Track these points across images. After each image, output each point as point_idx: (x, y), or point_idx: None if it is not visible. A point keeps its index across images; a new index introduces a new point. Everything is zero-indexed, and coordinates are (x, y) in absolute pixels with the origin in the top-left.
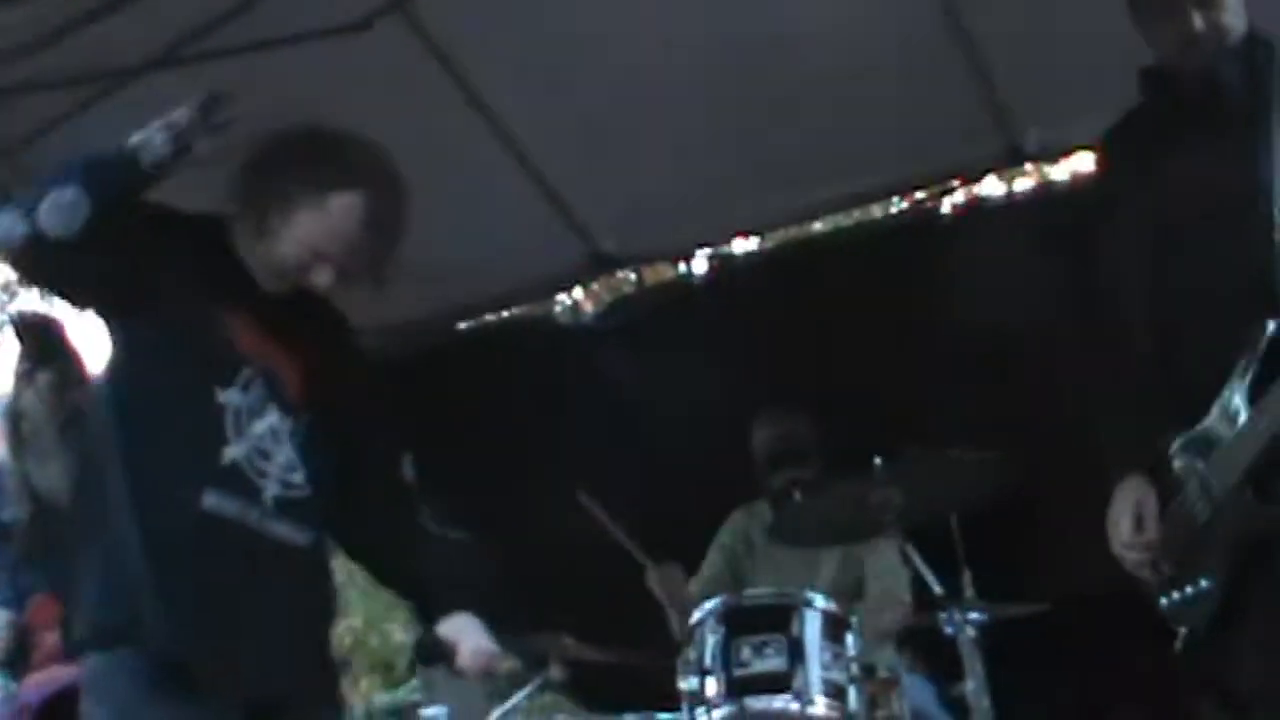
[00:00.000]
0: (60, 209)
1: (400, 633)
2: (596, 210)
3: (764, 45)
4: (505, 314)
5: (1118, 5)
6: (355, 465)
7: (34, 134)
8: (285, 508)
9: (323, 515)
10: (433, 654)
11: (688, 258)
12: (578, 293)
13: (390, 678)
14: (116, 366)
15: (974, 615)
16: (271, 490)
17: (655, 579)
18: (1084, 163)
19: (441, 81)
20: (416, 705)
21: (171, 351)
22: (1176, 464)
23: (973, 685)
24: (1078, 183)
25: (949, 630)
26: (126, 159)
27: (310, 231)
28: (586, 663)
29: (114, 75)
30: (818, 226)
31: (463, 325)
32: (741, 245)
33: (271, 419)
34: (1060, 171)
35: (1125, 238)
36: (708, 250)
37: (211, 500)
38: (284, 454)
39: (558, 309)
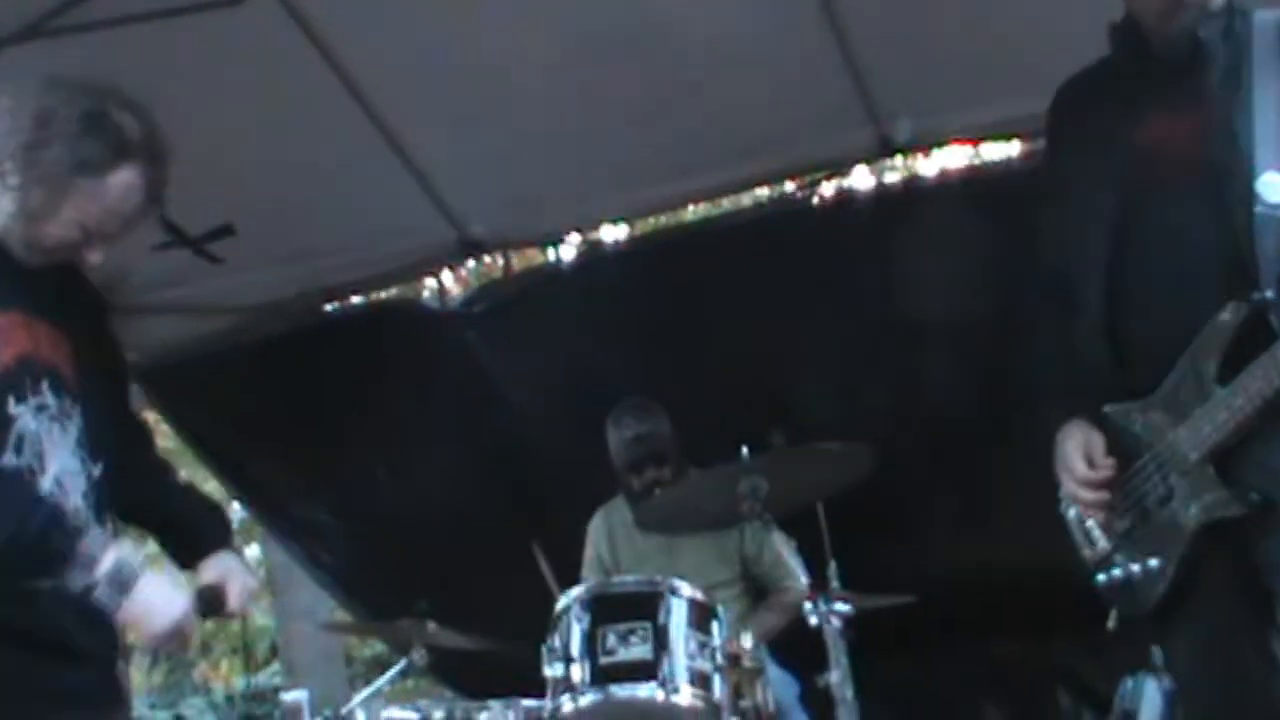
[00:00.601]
0: None
1: (262, 617)
2: (465, 194)
3: (637, 32)
4: (373, 296)
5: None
6: (119, 425)
7: None
8: (83, 516)
9: (111, 489)
10: (206, 607)
11: (556, 243)
12: (445, 276)
13: (251, 662)
14: None
15: (839, 606)
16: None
17: None
18: (954, 156)
19: (313, 62)
20: (277, 689)
21: None
22: (1132, 425)
23: (837, 676)
24: (947, 176)
25: (814, 621)
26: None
27: (86, 212)
28: (450, 648)
29: None
30: (687, 215)
31: (329, 307)
32: (610, 232)
33: (54, 467)
34: (929, 165)
35: (1081, 201)
36: (576, 236)
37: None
38: (70, 504)
39: (425, 293)
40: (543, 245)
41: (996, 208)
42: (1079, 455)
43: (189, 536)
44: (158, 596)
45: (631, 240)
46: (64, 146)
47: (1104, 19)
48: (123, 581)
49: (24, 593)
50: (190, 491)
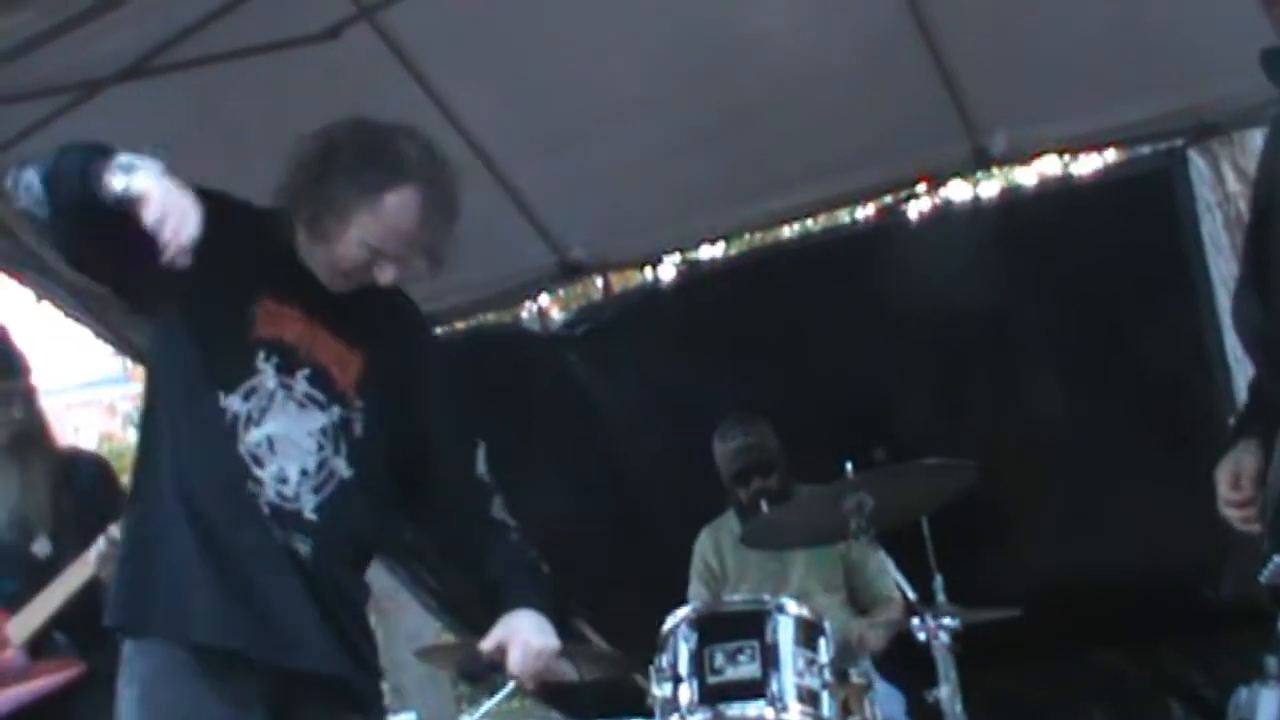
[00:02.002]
0: (30, 194)
1: None
2: (564, 217)
3: (730, 51)
4: (474, 320)
5: (1084, 8)
6: (427, 458)
7: (7, 143)
8: (279, 517)
9: (353, 506)
10: (475, 670)
11: (655, 264)
12: (545, 299)
13: None
14: (151, 356)
15: (946, 620)
16: (265, 497)
17: None
18: (1051, 166)
19: (410, 90)
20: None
21: (191, 349)
22: None
23: (946, 691)
24: (1045, 186)
25: (921, 636)
26: (87, 180)
27: (369, 232)
28: (556, 673)
29: (86, 85)
30: (784, 232)
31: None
32: (709, 251)
33: (271, 426)
34: (1027, 175)
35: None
36: (675, 256)
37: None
38: (276, 463)
39: (525, 315)
40: (642, 266)
41: (1092, 218)
42: (1224, 477)
43: (497, 593)
44: (155, 173)
45: (730, 258)
46: (345, 173)
47: (1197, 30)
48: (130, 165)
49: None
50: (512, 548)
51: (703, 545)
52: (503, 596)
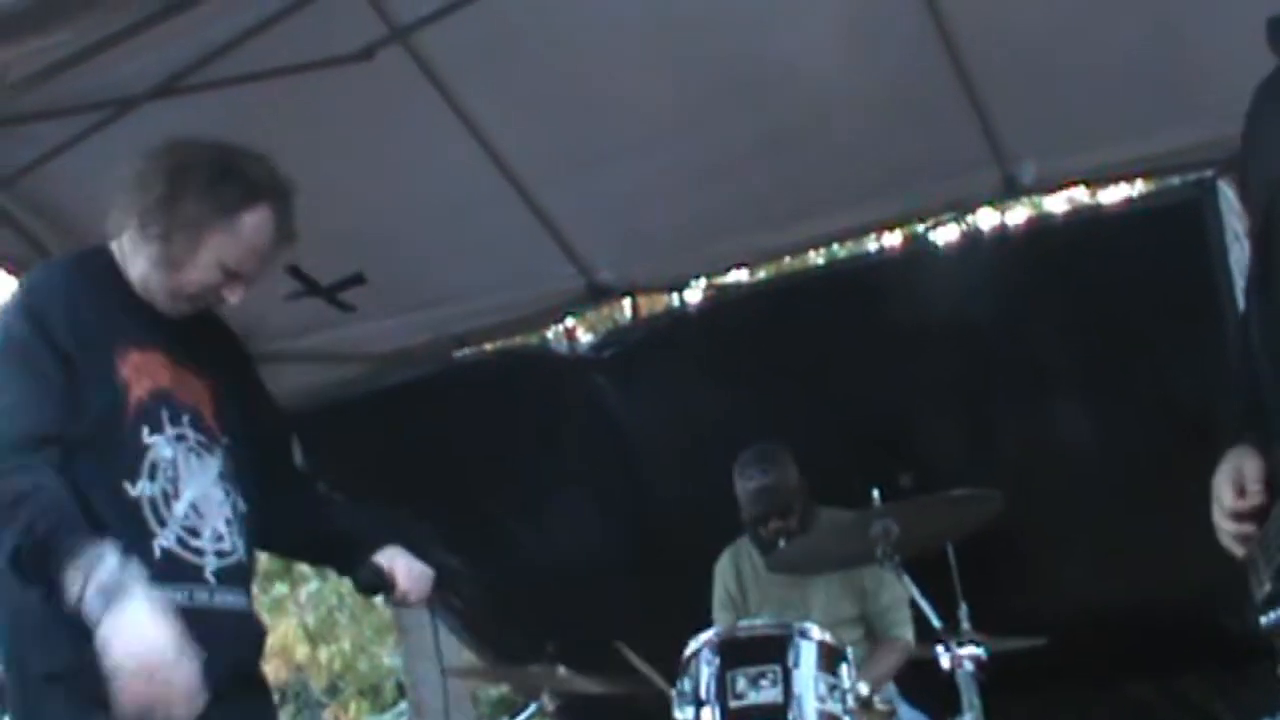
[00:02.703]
0: None
1: (388, 656)
2: (593, 240)
3: (762, 77)
4: (501, 343)
5: (1114, 38)
6: (268, 470)
7: (36, 162)
8: (224, 576)
9: (259, 527)
10: (372, 584)
11: (682, 288)
12: (571, 322)
13: (379, 701)
14: None
15: (971, 648)
16: (210, 565)
17: None
18: (1079, 195)
19: (441, 111)
20: None
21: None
22: None
23: (970, 718)
24: (1073, 215)
25: (945, 663)
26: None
27: (226, 252)
28: (579, 693)
29: (116, 104)
30: (812, 258)
31: (459, 354)
32: (736, 276)
33: (189, 493)
34: (1055, 203)
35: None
36: (702, 281)
37: (160, 593)
38: (208, 525)
39: (552, 338)
40: (669, 290)
41: (1121, 247)
42: (1227, 483)
43: (357, 542)
44: (134, 621)
45: (757, 283)
46: (199, 193)
47: (1226, 61)
48: (111, 591)
49: None
50: (358, 509)
51: (724, 569)
52: (366, 540)
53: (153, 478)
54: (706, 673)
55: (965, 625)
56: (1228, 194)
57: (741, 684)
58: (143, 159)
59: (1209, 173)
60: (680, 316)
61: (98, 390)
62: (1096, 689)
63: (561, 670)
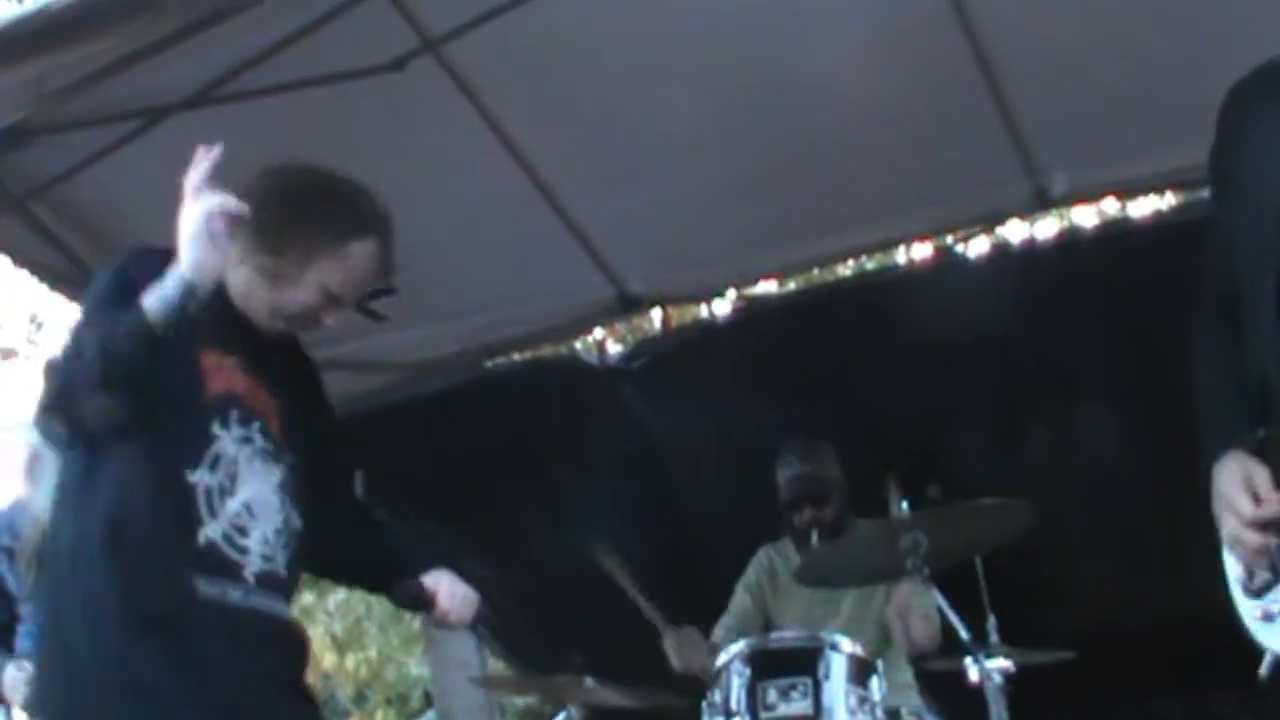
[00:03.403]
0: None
1: (416, 666)
2: (624, 251)
3: (794, 90)
4: (531, 353)
5: (1145, 50)
6: (329, 498)
7: (70, 171)
8: (265, 581)
9: (308, 550)
10: (412, 600)
11: (712, 299)
12: (601, 333)
13: (406, 709)
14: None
15: (999, 662)
16: (253, 567)
17: (671, 645)
18: (1109, 207)
19: (472, 122)
20: None
21: (140, 426)
22: None
23: None
24: (1103, 228)
25: (974, 676)
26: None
27: (329, 277)
28: (607, 706)
29: (149, 113)
30: (842, 270)
31: (490, 363)
32: (765, 288)
33: (245, 492)
34: (1085, 215)
35: (1249, 204)
36: (732, 292)
37: (200, 585)
38: (258, 527)
39: (581, 348)
40: (699, 301)
41: (1150, 260)
42: (1242, 490)
43: (406, 565)
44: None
45: (786, 295)
46: (317, 217)
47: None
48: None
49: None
50: (414, 538)
51: (759, 561)
52: (414, 563)
53: (213, 469)
54: (737, 684)
55: (993, 638)
56: None
57: (772, 696)
58: (256, 175)
59: None
60: (710, 328)
61: (175, 373)
62: (1124, 704)
63: (588, 681)
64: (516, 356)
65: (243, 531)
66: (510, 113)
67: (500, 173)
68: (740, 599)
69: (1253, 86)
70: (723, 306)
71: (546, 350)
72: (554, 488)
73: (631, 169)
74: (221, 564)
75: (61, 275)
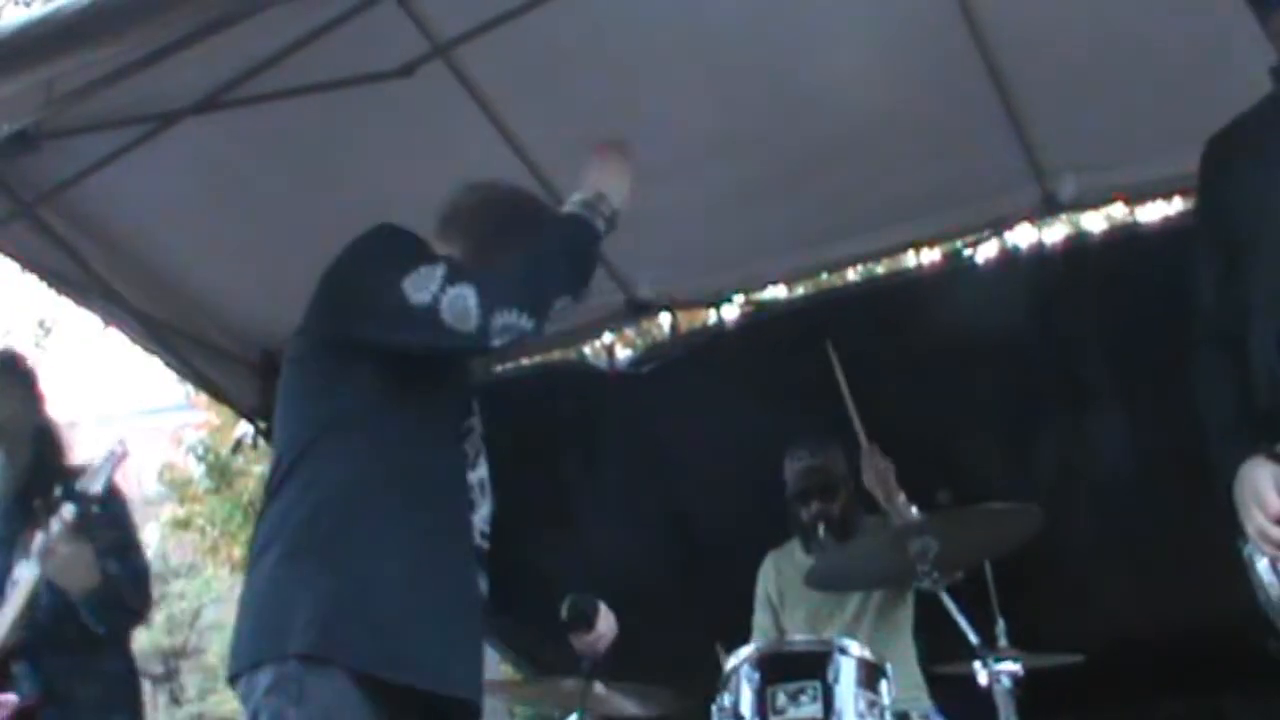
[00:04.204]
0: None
1: None
2: (633, 256)
3: (802, 96)
4: (540, 358)
5: (1153, 54)
6: None
7: (78, 175)
8: (480, 558)
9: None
10: (582, 613)
11: (720, 304)
12: (610, 337)
13: None
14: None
15: (1008, 665)
16: (474, 541)
17: (866, 462)
18: (1118, 212)
19: (482, 126)
20: None
21: (421, 385)
22: None
23: None
24: (1112, 233)
25: (983, 680)
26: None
27: None
28: (616, 715)
29: (159, 118)
30: (850, 275)
31: (499, 368)
32: (774, 293)
33: (481, 470)
34: (1093, 221)
35: (1226, 244)
36: (741, 297)
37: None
38: (484, 506)
39: (590, 353)
40: (708, 306)
41: (1159, 265)
42: (1272, 489)
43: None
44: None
45: (795, 300)
46: (519, 239)
47: (1265, 78)
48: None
49: None
50: None
51: (765, 570)
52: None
53: (464, 439)
54: (747, 688)
55: (1002, 641)
56: None
57: (781, 700)
58: (463, 192)
59: None
60: (719, 333)
61: (450, 379)
62: (1135, 708)
63: (598, 687)
64: (526, 361)
65: (473, 506)
66: (520, 118)
67: (509, 177)
68: (760, 619)
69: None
70: (731, 311)
71: (556, 355)
72: (564, 491)
73: (641, 174)
74: (477, 553)
75: (70, 280)
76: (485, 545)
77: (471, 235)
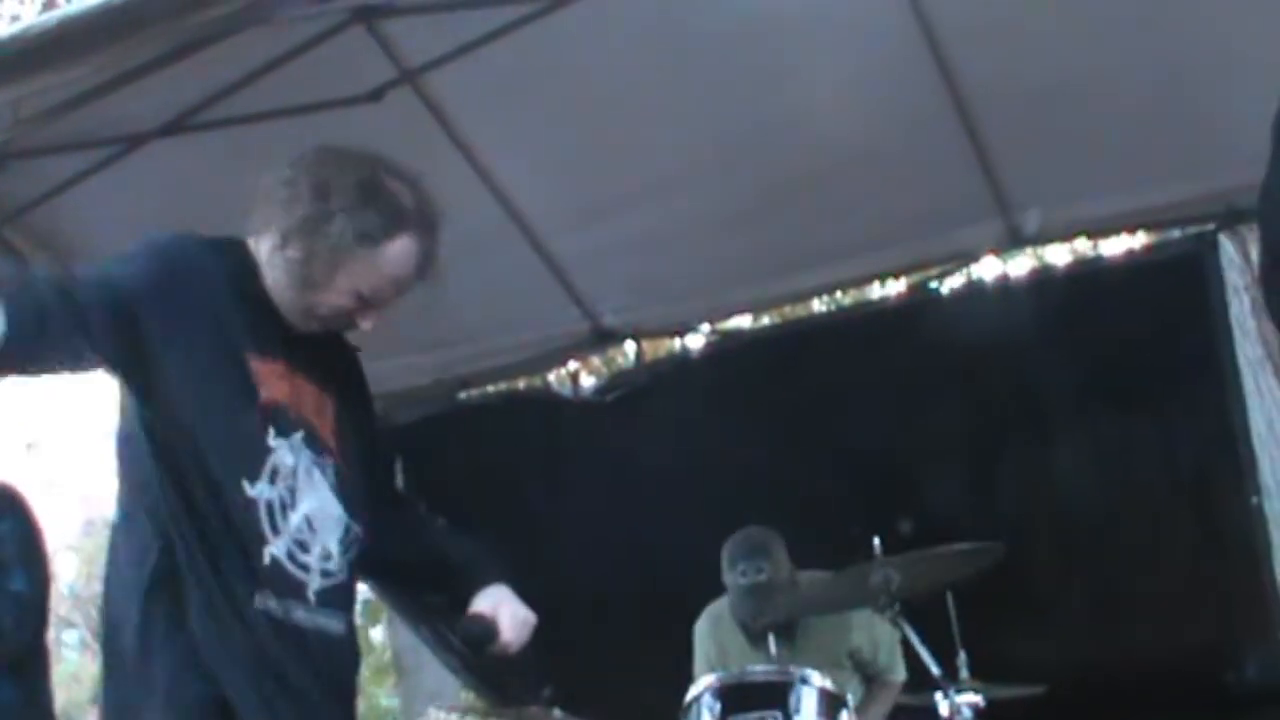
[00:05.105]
0: None
1: (386, 698)
2: (598, 285)
3: (769, 127)
4: (505, 385)
5: (1118, 91)
6: (374, 491)
7: (44, 196)
8: (326, 598)
9: (362, 552)
10: (479, 636)
11: (686, 333)
12: (575, 365)
13: None
14: (134, 442)
15: (969, 695)
16: (314, 584)
17: None
18: (1082, 245)
19: (448, 153)
20: None
21: (197, 430)
22: None
23: None
24: (1075, 266)
25: (944, 711)
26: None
27: (361, 281)
28: None
29: (125, 140)
30: (815, 305)
31: (464, 395)
32: (739, 322)
33: (306, 505)
34: (1058, 253)
35: None
36: (706, 326)
37: (261, 601)
38: (319, 542)
39: (555, 381)
40: (673, 335)
41: (1122, 299)
42: None
43: (461, 575)
44: None
45: (761, 329)
46: (345, 218)
47: (1229, 115)
48: None
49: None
50: (456, 535)
51: (703, 635)
52: (474, 574)
53: (272, 481)
54: (708, 718)
55: (964, 673)
56: (1229, 248)
57: None
58: (290, 167)
59: (1210, 226)
60: (684, 361)
61: (229, 377)
62: None
63: (557, 713)
64: (490, 388)
65: (304, 548)
66: (487, 144)
67: (476, 205)
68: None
69: None
70: (696, 340)
71: (521, 382)
72: (527, 518)
73: (607, 203)
74: (285, 583)
75: None
76: (334, 580)
77: (289, 210)
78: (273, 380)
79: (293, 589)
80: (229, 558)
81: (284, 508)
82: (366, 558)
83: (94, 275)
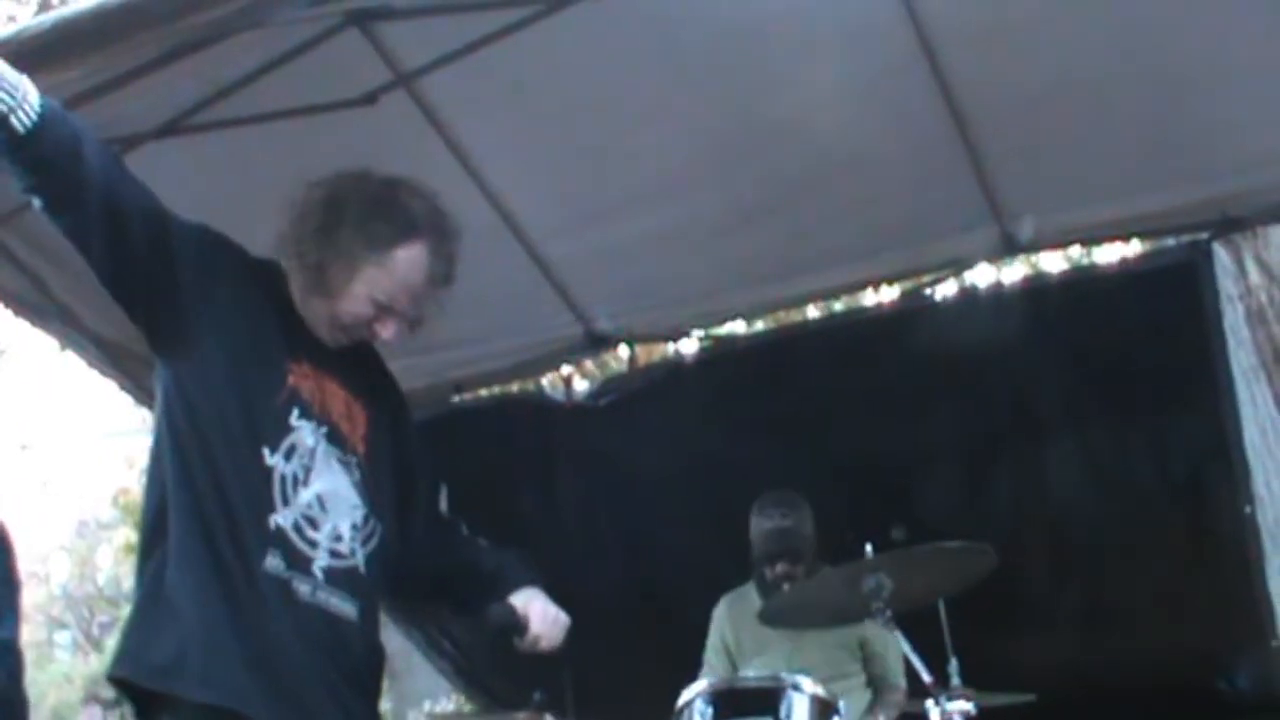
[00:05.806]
0: None
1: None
2: (592, 290)
3: (765, 133)
4: (498, 389)
5: (1113, 99)
6: (410, 505)
7: None
8: (334, 578)
9: (386, 555)
10: (503, 622)
11: (679, 338)
12: (569, 370)
13: None
14: (171, 406)
15: (960, 703)
16: (320, 561)
17: None
18: (1076, 253)
19: (443, 157)
20: None
21: (224, 399)
22: None
23: None
24: (1069, 274)
25: (935, 718)
26: None
27: (377, 287)
28: None
29: (120, 141)
30: (810, 311)
31: (457, 399)
32: (733, 327)
33: (319, 485)
34: (1052, 261)
35: None
36: (700, 331)
37: (273, 564)
38: (329, 521)
39: (548, 385)
40: (667, 340)
41: (1116, 307)
42: None
43: (495, 579)
44: None
45: (754, 335)
46: (354, 226)
47: (1223, 124)
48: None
49: None
50: (502, 551)
51: (720, 617)
52: (506, 579)
53: (289, 457)
54: None
55: (955, 680)
56: (1223, 257)
57: None
58: (306, 186)
59: (1204, 235)
60: (677, 366)
61: (258, 362)
62: None
63: (549, 718)
64: (484, 392)
65: (313, 524)
66: (482, 148)
67: (470, 208)
68: (713, 661)
69: None
70: (690, 346)
71: (514, 386)
72: (520, 523)
73: (601, 208)
74: (290, 554)
75: (29, 303)
76: (346, 562)
77: (304, 223)
78: (301, 378)
79: (298, 561)
80: (242, 522)
81: (296, 483)
82: (407, 579)
83: (151, 200)
